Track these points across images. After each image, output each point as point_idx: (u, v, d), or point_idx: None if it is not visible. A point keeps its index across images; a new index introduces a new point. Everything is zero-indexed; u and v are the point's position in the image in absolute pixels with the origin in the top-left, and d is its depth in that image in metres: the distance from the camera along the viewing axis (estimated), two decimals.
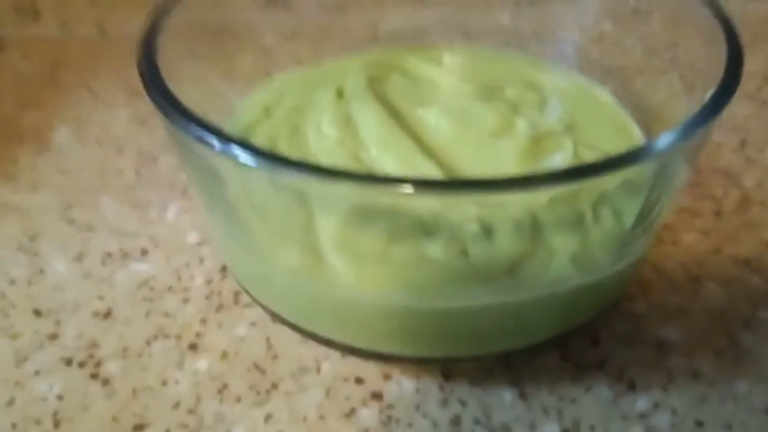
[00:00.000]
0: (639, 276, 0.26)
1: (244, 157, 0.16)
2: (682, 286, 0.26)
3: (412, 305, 0.20)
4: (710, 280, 0.26)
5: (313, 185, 0.18)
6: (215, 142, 0.17)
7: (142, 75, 0.19)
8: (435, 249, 0.20)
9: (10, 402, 0.22)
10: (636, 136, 0.26)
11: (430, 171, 0.23)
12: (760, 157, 0.32)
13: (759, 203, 0.29)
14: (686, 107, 0.25)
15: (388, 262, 0.20)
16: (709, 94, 0.18)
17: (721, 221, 0.28)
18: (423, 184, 0.15)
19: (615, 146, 0.25)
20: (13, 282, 0.27)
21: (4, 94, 0.37)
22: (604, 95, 0.28)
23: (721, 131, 0.33)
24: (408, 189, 0.15)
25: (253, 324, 0.24)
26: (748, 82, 0.37)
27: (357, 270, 0.20)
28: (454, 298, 0.20)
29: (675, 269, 0.26)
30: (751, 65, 0.39)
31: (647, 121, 0.28)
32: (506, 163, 0.24)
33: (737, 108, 0.35)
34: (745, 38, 0.43)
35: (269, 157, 0.16)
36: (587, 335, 0.24)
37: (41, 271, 0.27)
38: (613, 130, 0.26)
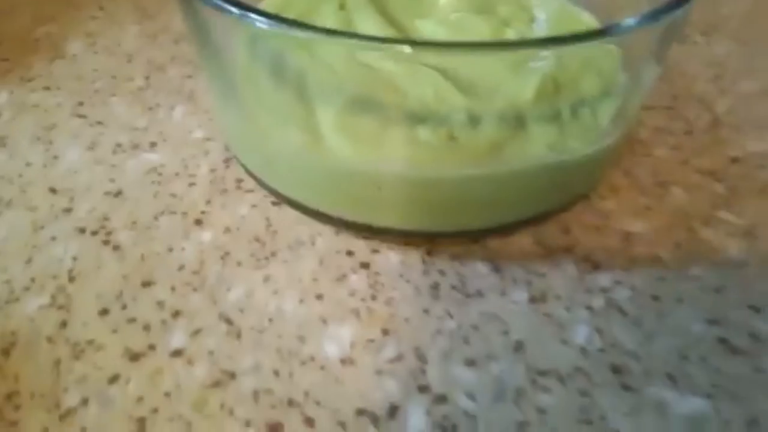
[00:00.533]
0: (610, 180, 0.28)
1: (255, 17, 0.18)
2: (649, 189, 0.28)
3: (402, 175, 0.22)
4: (676, 186, 0.28)
5: (313, 72, 0.20)
6: (231, 8, 0.19)
7: None
8: (425, 133, 0.22)
9: (29, 261, 0.24)
10: (613, 49, 0.28)
11: (424, 68, 0.25)
12: (733, 88, 0.34)
13: (728, 126, 0.31)
14: None
15: (383, 142, 0.22)
16: None
17: (691, 139, 0.30)
18: (416, 44, 0.17)
19: (592, 54, 0.27)
20: (29, 165, 0.29)
21: (20, 9, 0.39)
22: (588, 18, 0.30)
23: (699, 64, 0.35)
24: (407, 48, 0.17)
25: (254, 206, 0.27)
26: (728, 22, 0.39)
27: (353, 147, 0.22)
28: (440, 171, 0.22)
29: (645, 176, 0.28)
30: (734, 6, 0.41)
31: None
32: (496, 69, 0.26)
33: (717, 46, 0.37)
34: None
35: (278, 18, 0.18)
36: (559, 225, 0.26)
37: (56, 157, 0.29)
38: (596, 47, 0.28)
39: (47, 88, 0.33)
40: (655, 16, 0.20)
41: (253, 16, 0.19)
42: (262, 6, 0.31)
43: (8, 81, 0.33)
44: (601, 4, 0.32)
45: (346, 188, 0.23)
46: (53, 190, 0.27)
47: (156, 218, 0.26)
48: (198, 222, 0.26)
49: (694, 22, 0.39)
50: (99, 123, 0.31)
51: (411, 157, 0.22)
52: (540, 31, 0.29)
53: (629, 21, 0.19)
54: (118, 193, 0.27)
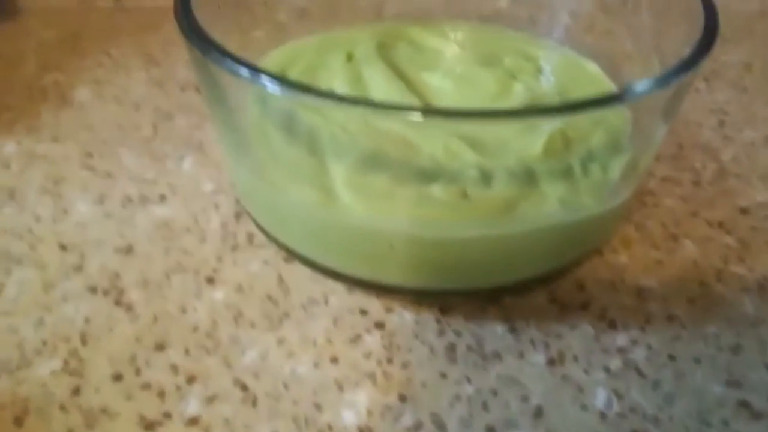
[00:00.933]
0: (622, 233, 0.28)
1: (266, 80, 0.18)
2: (661, 243, 0.28)
3: (415, 234, 0.22)
4: (687, 239, 0.28)
5: (325, 130, 0.20)
6: (242, 69, 0.19)
7: (176, 12, 0.21)
8: (437, 191, 0.22)
9: (40, 322, 0.24)
10: (625, 112, 0.28)
11: (437, 129, 0.25)
12: (737, 136, 0.34)
13: (734, 175, 0.31)
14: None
15: (394, 200, 0.22)
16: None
17: (699, 189, 0.31)
18: (429, 112, 0.18)
19: (606, 116, 0.27)
20: (39, 219, 0.28)
21: (27, 57, 0.39)
22: (593, 68, 0.31)
23: (702, 112, 0.36)
24: (417, 117, 0.17)
25: (266, 262, 0.26)
26: (729, 70, 0.40)
27: (366, 204, 0.22)
28: (454, 230, 0.22)
29: (655, 229, 0.28)
30: (733, 55, 0.42)
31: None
32: (506, 125, 0.26)
33: (718, 93, 0.37)
34: (727, 33, 0.45)
35: (289, 83, 0.18)
36: (573, 281, 0.26)
37: (65, 211, 0.29)
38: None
39: (55, 139, 0.33)
40: (666, 79, 0.20)
41: (264, 79, 0.19)
42: (270, 58, 0.31)
43: (16, 131, 0.33)
44: (605, 51, 0.33)
45: (358, 246, 0.23)
46: (63, 247, 0.27)
47: (167, 276, 0.26)
48: (210, 280, 0.26)
49: None
50: (108, 175, 0.31)
51: (423, 215, 0.22)
52: (547, 83, 0.29)
53: (640, 86, 0.20)
54: (129, 250, 0.27)
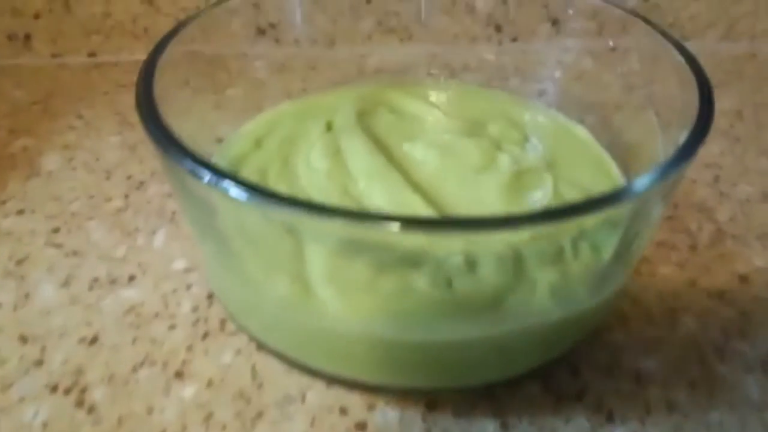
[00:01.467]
0: (617, 307, 0.26)
1: (235, 191, 0.17)
2: (658, 318, 0.26)
3: (397, 336, 0.20)
4: (685, 313, 0.27)
5: (303, 220, 0.18)
6: (209, 177, 0.17)
7: (139, 109, 0.20)
8: (421, 280, 0.21)
9: None
10: (613, 173, 0.27)
11: (417, 204, 0.24)
12: (732, 192, 0.33)
13: (731, 237, 0.30)
14: (662, 144, 0.26)
15: (375, 293, 0.21)
16: (683, 136, 0.19)
17: (695, 254, 0.29)
18: (410, 223, 0.16)
19: (594, 183, 0.26)
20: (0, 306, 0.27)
21: None
22: (582, 133, 0.30)
23: (696, 167, 0.34)
24: (395, 227, 0.16)
25: (238, 352, 0.25)
26: (720, 119, 0.39)
27: (344, 300, 0.20)
28: (439, 331, 0.20)
29: (652, 301, 0.27)
30: (724, 103, 0.41)
31: (625, 157, 0.29)
32: (489, 197, 0.24)
33: (711, 145, 0.36)
34: (717, 77, 0.44)
35: (259, 192, 0.17)
36: (567, 366, 0.24)
37: (27, 296, 0.27)
38: (592, 166, 0.27)
39: (21, 212, 0.31)
40: (665, 172, 0.19)
41: (227, 185, 0.17)
42: (247, 128, 0.30)
43: None
44: (594, 107, 0.32)
45: (336, 346, 0.21)
46: (24, 339, 0.25)
47: (135, 370, 0.24)
48: (179, 374, 0.24)
49: None
50: (75, 253, 0.29)
51: (406, 311, 0.21)
52: (534, 151, 0.28)
53: (640, 184, 0.18)
54: (94, 340, 0.25)
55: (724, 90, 0.41)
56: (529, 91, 0.34)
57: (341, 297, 0.21)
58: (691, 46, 0.47)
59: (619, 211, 0.23)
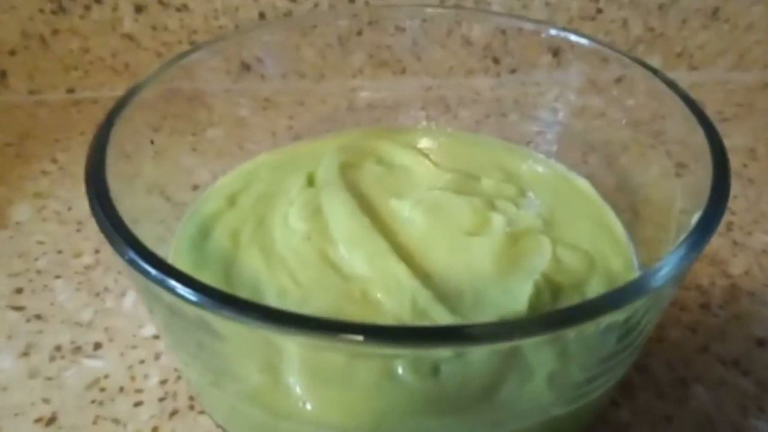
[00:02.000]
0: (623, 378, 0.24)
1: (191, 297, 0.15)
2: (668, 391, 0.24)
3: None
4: (698, 383, 0.24)
5: (272, 284, 0.16)
6: (159, 277, 0.15)
7: (91, 203, 0.18)
8: (402, 368, 0.18)
9: None
10: (618, 232, 0.25)
11: (402, 274, 0.21)
12: (747, 241, 0.31)
13: (747, 294, 0.28)
14: (674, 188, 0.24)
15: (351, 385, 0.18)
16: (695, 218, 0.17)
17: (708, 315, 0.27)
18: (378, 334, 0.14)
19: (595, 244, 0.24)
20: None
21: None
22: (583, 185, 0.27)
23: None
24: (359, 338, 0.14)
25: None
26: (732, 158, 0.36)
27: (317, 395, 0.18)
28: (422, 429, 0.18)
29: (661, 370, 0.25)
30: (735, 139, 0.38)
31: (633, 202, 0.27)
32: (482, 264, 0.22)
33: None
34: (729, 110, 0.42)
35: (214, 298, 0.15)
36: None
37: None
38: (593, 224, 0.25)
39: None
40: (680, 262, 0.16)
41: (181, 291, 0.15)
42: (223, 182, 0.28)
43: None
44: (598, 145, 0.30)
45: None
46: None
47: None
48: None
49: None
50: (37, 317, 0.27)
51: (385, 406, 0.18)
52: (531, 209, 0.26)
53: (659, 276, 0.16)
54: (52, 420, 0.23)
55: (735, 124, 0.39)
56: (528, 128, 0.32)
57: (313, 389, 0.18)
58: (700, 75, 0.45)
59: (623, 262, 0.21)
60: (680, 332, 0.26)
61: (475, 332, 0.14)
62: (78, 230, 0.31)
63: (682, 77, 0.43)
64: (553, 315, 0.15)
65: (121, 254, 0.16)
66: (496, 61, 0.36)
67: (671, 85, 0.24)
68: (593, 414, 0.21)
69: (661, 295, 0.17)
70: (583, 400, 0.19)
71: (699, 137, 0.23)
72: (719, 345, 0.26)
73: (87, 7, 0.39)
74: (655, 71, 0.25)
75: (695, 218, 0.17)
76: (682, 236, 0.17)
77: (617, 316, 0.16)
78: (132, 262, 0.16)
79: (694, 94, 0.44)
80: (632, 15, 0.41)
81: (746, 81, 0.43)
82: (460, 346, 0.15)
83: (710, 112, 0.41)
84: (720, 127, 0.40)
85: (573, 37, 0.29)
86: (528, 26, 0.30)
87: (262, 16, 0.40)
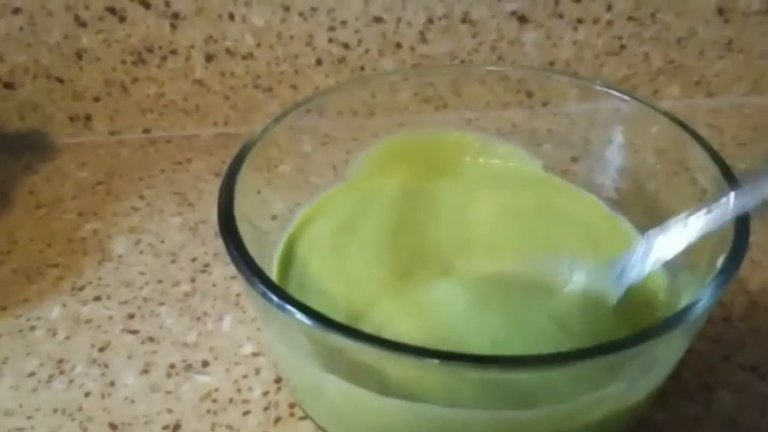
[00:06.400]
0: None
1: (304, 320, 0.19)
2: (696, 394, 0.28)
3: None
4: (722, 388, 0.28)
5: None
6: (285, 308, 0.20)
7: (228, 248, 0.22)
8: None
9: None
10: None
11: None
12: (764, 259, 0.34)
13: (764, 308, 0.32)
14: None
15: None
16: (719, 262, 0.21)
17: (729, 328, 0.31)
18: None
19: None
20: (88, 395, 0.29)
21: (66, 204, 0.41)
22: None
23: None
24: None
25: None
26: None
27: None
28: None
29: (690, 377, 0.29)
30: (752, 162, 0.42)
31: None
32: None
33: None
34: (745, 135, 0.46)
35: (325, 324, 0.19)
36: None
37: (112, 384, 0.30)
38: None
39: (98, 299, 0.34)
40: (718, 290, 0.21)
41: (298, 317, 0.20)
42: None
43: (60, 290, 0.35)
44: (628, 171, 0.34)
45: None
46: (113, 426, 0.28)
47: None
48: None
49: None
50: (150, 339, 0.32)
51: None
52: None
53: (698, 308, 0.20)
54: (177, 427, 0.28)
55: (751, 148, 0.43)
56: (562, 156, 0.36)
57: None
58: (717, 101, 0.49)
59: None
60: (706, 343, 0.30)
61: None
62: (173, 261, 0.36)
63: (701, 104, 0.47)
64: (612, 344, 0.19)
65: (254, 287, 0.21)
66: (529, 95, 0.40)
67: (684, 127, 0.28)
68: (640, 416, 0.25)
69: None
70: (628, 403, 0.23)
71: (716, 172, 0.26)
72: (740, 354, 0.30)
73: (164, 58, 0.44)
74: (668, 115, 0.29)
75: (720, 261, 0.21)
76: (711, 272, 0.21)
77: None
78: (264, 295, 0.21)
79: (712, 120, 0.47)
80: (653, 49, 0.45)
81: (762, 104, 0.47)
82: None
83: (727, 137, 0.45)
84: (737, 152, 0.44)
85: (597, 87, 0.33)
86: (557, 78, 0.35)
87: (319, 62, 0.44)
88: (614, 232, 0.31)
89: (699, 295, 0.21)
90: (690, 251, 0.27)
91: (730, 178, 0.26)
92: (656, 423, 0.27)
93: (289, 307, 0.20)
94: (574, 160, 0.36)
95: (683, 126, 0.28)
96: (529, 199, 0.33)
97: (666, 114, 0.29)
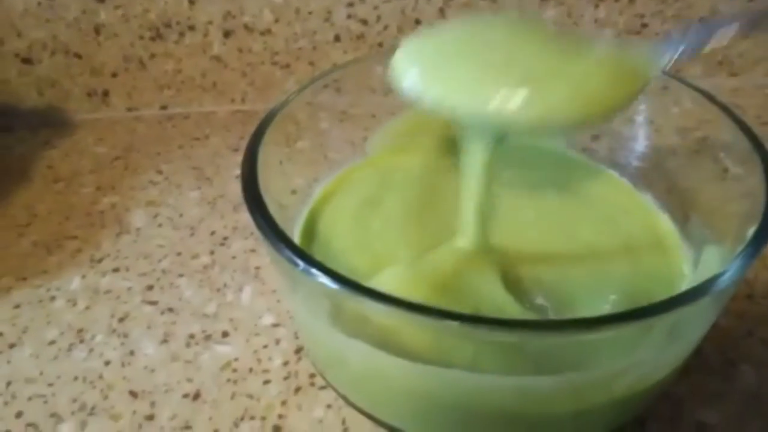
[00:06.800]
0: None
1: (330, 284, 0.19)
2: (719, 369, 0.28)
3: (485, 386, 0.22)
4: (745, 363, 0.28)
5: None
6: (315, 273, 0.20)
7: (253, 215, 0.22)
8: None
9: None
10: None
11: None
12: None
13: None
14: (723, 191, 0.28)
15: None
16: (750, 231, 0.21)
17: (752, 304, 0.31)
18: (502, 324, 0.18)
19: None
20: (108, 363, 0.30)
21: (84, 178, 0.41)
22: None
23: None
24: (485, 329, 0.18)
25: (329, 406, 0.27)
26: None
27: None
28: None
29: (712, 353, 0.28)
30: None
31: (683, 204, 0.30)
32: None
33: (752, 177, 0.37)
34: (767, 114, 0.45)
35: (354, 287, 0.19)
36: (634, 420, 0.26)
37: (132, 353, 0.30)
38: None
39: (116, 270, 0.34)
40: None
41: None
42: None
43: (79, 262, 0.35)
44: (649, 151, 0.33)
45: (422, 404, 0.23)
46: (134, 394, 0.28)
47: (236, 425, 0.27)
48: (277, 429, 0.27)
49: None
50: (170, 310, 0.32)
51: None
52: None
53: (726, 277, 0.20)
54: (197, 396, 0.28)
55: None
56: (585, 134, 0.36)
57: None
58: (740, 81, 0.48)
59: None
60: (729, 320, 0.30)
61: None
62: (191, 234, 0.36)
63: (723, 83, 0.47)
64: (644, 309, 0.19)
65: (281, 253, 0.21)
66: None
67: (713, 100, 0.27)
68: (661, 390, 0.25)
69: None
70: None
71: (745, 146, 0.26)
72: (763, 330, 0.29)
73: (181, 34, 0.43)
74: (699, 90, 0.28)
75: (751, 231, 0.21)
76: (738, 245, 0.21)
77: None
78: (290, 260, 0.21)
79: (734, 99, 0.47)
80: (675, 27, 0.45)
81: None
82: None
83: (750, 116, 0.44)
84: (759, 131, 0.44)
85: None
86: None
87: (337, 38, 0.44)
88: (636, 211, 0.31)
89: (728, 266, 0.20)
90: (716, 226, 0.27)
91: (759, 149, 0.25)
92: (679, 396, 0.27)
93: (314, 270, 0.20)
94: (595, 138, 0.36)
95: (711, 99, 0.27)
96: (550, 176, 0.33)
97: (694, 87, 0.28)
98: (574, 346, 0.21)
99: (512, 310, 0.24)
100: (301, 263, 0.21)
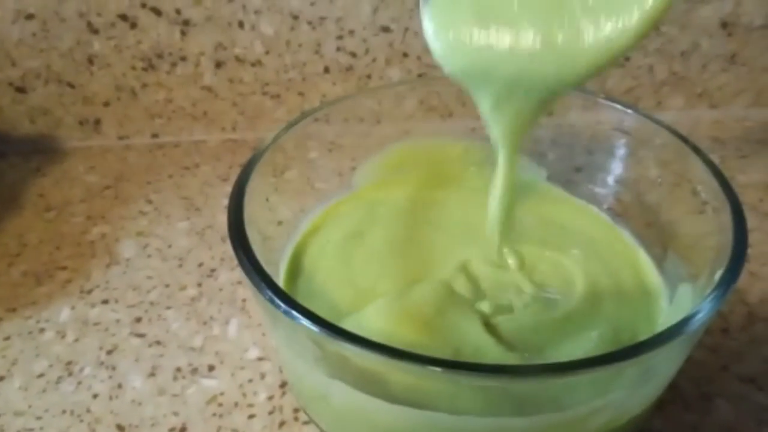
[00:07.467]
0: None
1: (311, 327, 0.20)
2: (694, 403, 0.28)
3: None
4: (720, 397, 0.29)
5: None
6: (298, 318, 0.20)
7: (237, 253, 0.23)
8: None
9: None
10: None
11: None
12: (763, 271, 0.35)
13: (762, 320, 0.32)
14: (699, 225, 0.28)
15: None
16: (717, 275, 0.22)
17: (727, 338, 0.31)
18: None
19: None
20: (96, 396, 0.30)
21: (75, 207, 0.41)
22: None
23: None
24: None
25: None
26: (749, 193, 0.41)
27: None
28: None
29: (688, 386, 0.29)
30: (753, 174, 0.43)
31: (662, 239, 0.31)
32: None
33: None
34: (747, 147, 0.46)
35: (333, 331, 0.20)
36: None
37: (120, 386, 0.30)
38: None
39: (105, 302, 0.35)
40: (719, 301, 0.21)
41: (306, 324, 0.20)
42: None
43: (69, 293, 0.35)
44: (630, 183, 0.34)
45: None
46: (121, 428, 0.29)
47: None
48: None
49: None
50: (157, 343, 0.32)
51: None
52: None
53: (696, 319, 0.21)
54: (183, 430, 0.28)
55: (752, 161, 0.43)
56: (566, 166, 0.37)
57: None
58: (720, 114, 0.49)
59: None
60: (704, 353, 0.31)
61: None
62: (179, 266, 0.37)
63: (704, 115, 0.48)
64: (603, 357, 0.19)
65: (262, 293, 0.21)
66: None
67: (685, 141, 0.28)
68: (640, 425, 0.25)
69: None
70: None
71: (716, 186, 0.27)
72: (738, 365, 0.30)
73: (173, 64, 0.44)
74: (669, 128, 0.29)
75: (718, 275, 0.22)
76: (710, 285, 0.22)
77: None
78: (271, 301, 0.21)
79: (714, 132, 0.48)
80: (657, 61, 0.46)
81: (764, 117, 0.48)
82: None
83: (730, 148, 0.45)
84: (738, 164, 0.45)
85: (600, 100, 0.33)
86: None
87: (326, 70, 0.45)
88: (615, 244, 0.32)
89: (698, 307, 0.21)
90: (691, 263, 0.28)
91: (728, 192, 0.26)
92: (655, 431, 0.27)
93: (295, 313, 0.21)
94: (578, 170, 0.37)
95: (684, 140, 0.28)
96: (532, 209, 0.34)
97: (667, 128, 0.29)
98: (551, 387, 0.22)
99: (492, 351, 0.25)
100: (282, 305, 0.21)
